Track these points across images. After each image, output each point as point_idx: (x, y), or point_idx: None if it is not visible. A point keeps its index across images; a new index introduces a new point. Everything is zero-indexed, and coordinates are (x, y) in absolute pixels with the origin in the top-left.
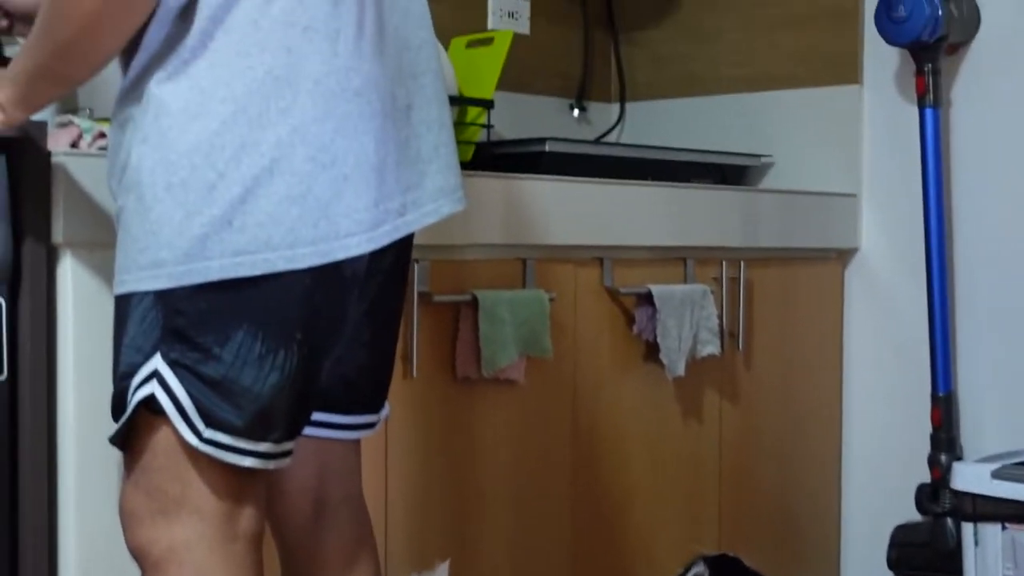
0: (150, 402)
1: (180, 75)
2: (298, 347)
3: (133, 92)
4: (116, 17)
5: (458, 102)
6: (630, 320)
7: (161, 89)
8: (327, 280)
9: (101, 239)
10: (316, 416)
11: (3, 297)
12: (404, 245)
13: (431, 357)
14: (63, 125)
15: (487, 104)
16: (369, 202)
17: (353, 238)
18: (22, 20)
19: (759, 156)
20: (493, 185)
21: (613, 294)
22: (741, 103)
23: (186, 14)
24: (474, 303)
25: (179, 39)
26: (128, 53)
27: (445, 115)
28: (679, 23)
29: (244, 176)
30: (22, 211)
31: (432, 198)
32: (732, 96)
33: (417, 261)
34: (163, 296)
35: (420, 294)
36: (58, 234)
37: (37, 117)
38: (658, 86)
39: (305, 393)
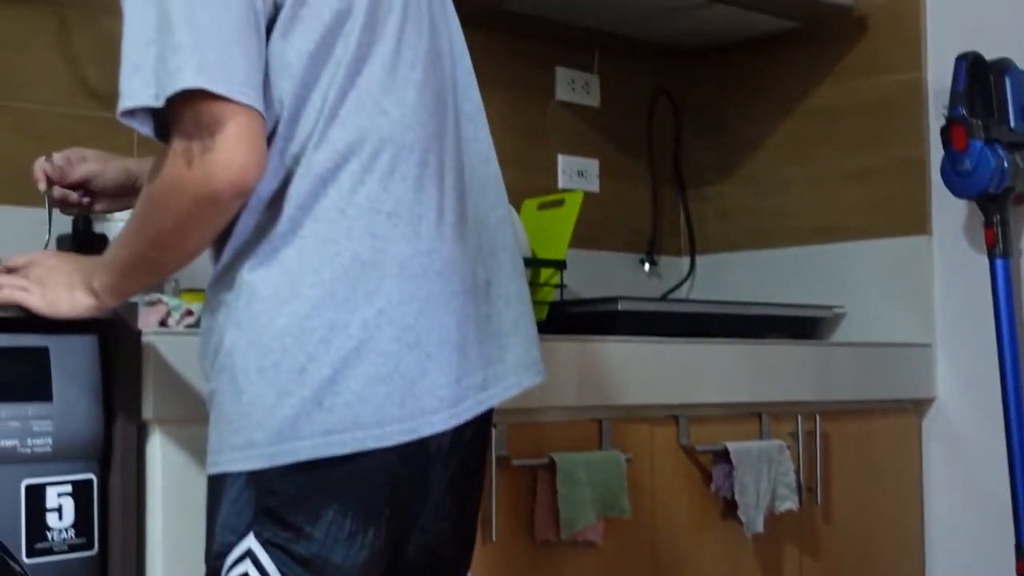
0: None
1: (270, 261)
2: (386, 523)
3: (225, 277)
4: (210, 211)
5: (531, 263)
6: (707, 477)
7: (252, 275)
8: (413, 456)
9: (189, 415)
10: None
11: (94, 473)
12: (485, 416)
13: (510, 521)
14: (151, 303)
15: (560, 265)
16: (452, 378)
17: (438, 415)
18: (104, 197)
19: (831, 307)
20: (568, 348)
21: (689, 452)
22: (810, 255)
23: (275, 203)
24: (552, 466)
25: (269, 227)
26: (220, 240)
27: (523, 290)
28: (746, 177)
29: (333, 358)
30: (113, 388)
31: (513, 371)
32: (801, 248)
33: (495, 425)
34: (256, 476)
35: (499, 458)
36: (147, 411)
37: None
38: (727, 239)
39: (393, 567)
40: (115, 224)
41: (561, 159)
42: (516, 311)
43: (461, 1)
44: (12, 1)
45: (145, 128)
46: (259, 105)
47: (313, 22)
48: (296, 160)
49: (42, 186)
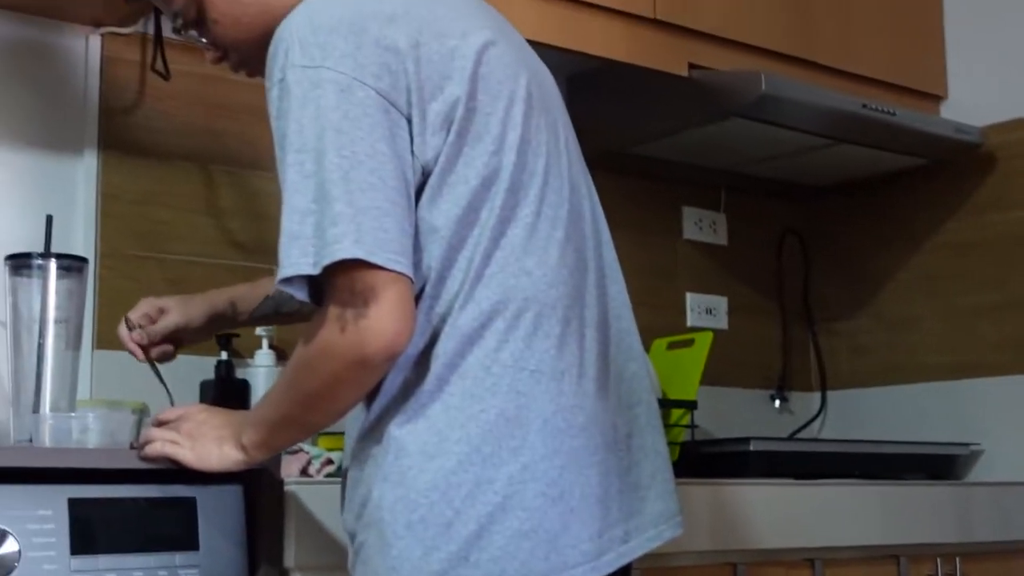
0: None
1: (418, 417)
2: None
3: (373, 433)
4: (361, 375)
5: (662, 404)
6: None
7: (400, 431)
8: None
9: (330, 563)
10: None
11: None
12: (625, 568)
13: None
14: (293, 452)
15: (691, 405)
16: (594, 532)
17: (579, 568)
18: (202, 332)
19: (967, 445)
20: (700, 491)
21: None
22: (944, 391)
23: (422, 361)
24: None
25: (416, 384)
26: (368, 397)
27: (660, 442)
28: (877, 312)
29: (479, 513)
30: (256, 537)
31: (653, 523)
32: (934, 384)
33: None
34: None
35: None
36: (289, 559)
37: None
38: (859, 375)
39: None
40: (256, 370)
41: (689, 297)
42: (654, 463)
43: (590, 146)
44: (163, 160)
45: (301, 294)
46: (410, 272)
47: (460, 188)
48: (442, 319)
49: (140, 356)
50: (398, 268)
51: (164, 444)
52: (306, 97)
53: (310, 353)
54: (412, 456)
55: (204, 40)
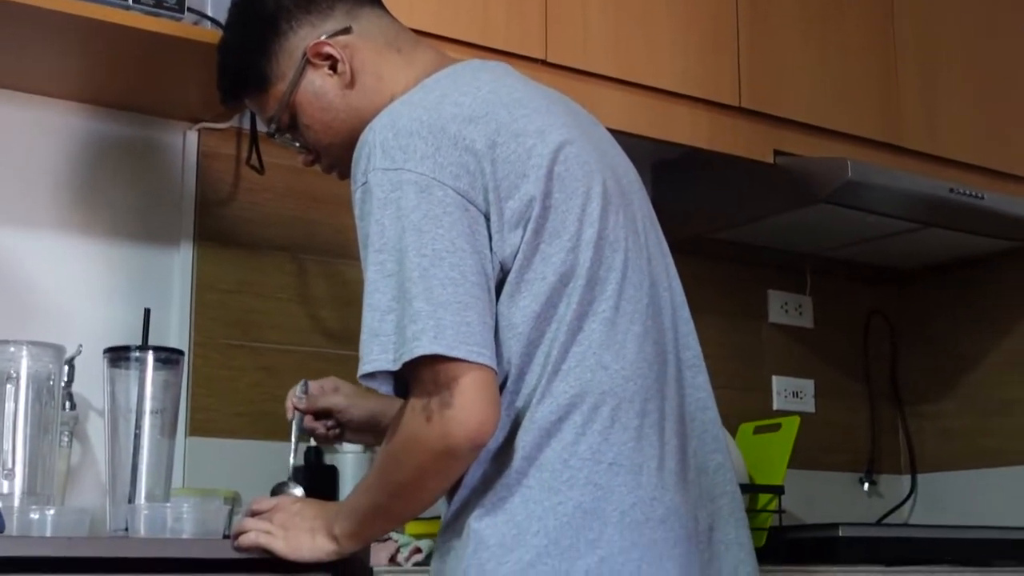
0: None
1: (497, 510)
2: None
3: (454, 525)
4: (448, 465)
5: (748, 489)
6: None
7: (480, 523)
8: None
9: None
10: None
11: None
12: None
13: None
14: (382, 540)
15: (778, 490)
16: None
17: None
18: (349, 431)
19: None
20: None
21: None
22: None
23: (501, 455)
24: None
25: (495, 477)
26: (450, 489)
27: (744, 535)
28: (966, 395)
29: None
30: None
31: None
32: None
33: None
34: None
35: None
36: None
37: None
38: (948, 458)
39: None
40: (344, 456)
41: (776, 380)
42: (736, 556)
43: (675, 231)
44: (256, 250)
45: (384, 387)
46: (493, 363)
47: (538, 285)
48: (521, 414)
49: (289, 415)
50: (481, 360)
51: (258, 535)
52: (387, 198)
53: (397, 444)
54: (491, 549)
55: (297, 144)
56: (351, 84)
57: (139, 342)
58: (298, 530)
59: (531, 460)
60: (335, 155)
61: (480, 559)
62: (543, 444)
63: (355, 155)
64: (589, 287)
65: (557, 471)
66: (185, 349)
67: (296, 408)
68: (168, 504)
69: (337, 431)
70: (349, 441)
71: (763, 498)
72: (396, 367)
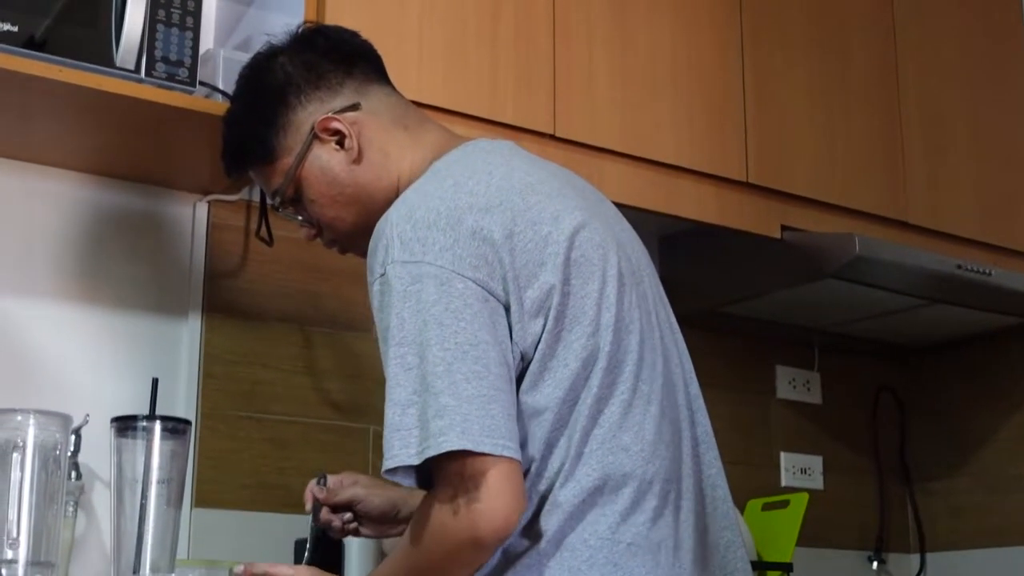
0: None
1: None
2: None
3: None
4: (473, 556)
5: (757, 566)
6: None
7: None
8: None
9: None
10: None
11: None
12: None
13: None
14: None
15: (787, 568)
16: None
17: None
18: (367, 522)
19: None
20: None
21: None
22: None
23: (524, 535)
24: None
25: (518, 558)
26: None
27: None
28: (977, 472)
29: None
30: None
31: None
32: None
33: None
34: None
35: None
36: None
37: None
38: (959, 537)
39: None
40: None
41: (784, 457)
42: None
43: (682, 305)
44: (264, 322)
45: (407, 481)
46: (518, 455)
47: (561, 371)
48: (544, 497)
49: (308, 507)
50: (507, 453)
51: None
52: (407, 292)
53: (424, 533)
54: None
55: (300, 217)
56: (358, 160)
57: (146, 412)
58: None
59: (553, 542)
60: (338, 230)
61: None
62: (566, 527)
63: (371, 247)
64: (608, 371)
65: (577, 551)
66: (192, 420)
67: (316, 498)
68: (173, 575)
69: (353, 525)
70: (365, 535)
71: None
72: (418, 462)
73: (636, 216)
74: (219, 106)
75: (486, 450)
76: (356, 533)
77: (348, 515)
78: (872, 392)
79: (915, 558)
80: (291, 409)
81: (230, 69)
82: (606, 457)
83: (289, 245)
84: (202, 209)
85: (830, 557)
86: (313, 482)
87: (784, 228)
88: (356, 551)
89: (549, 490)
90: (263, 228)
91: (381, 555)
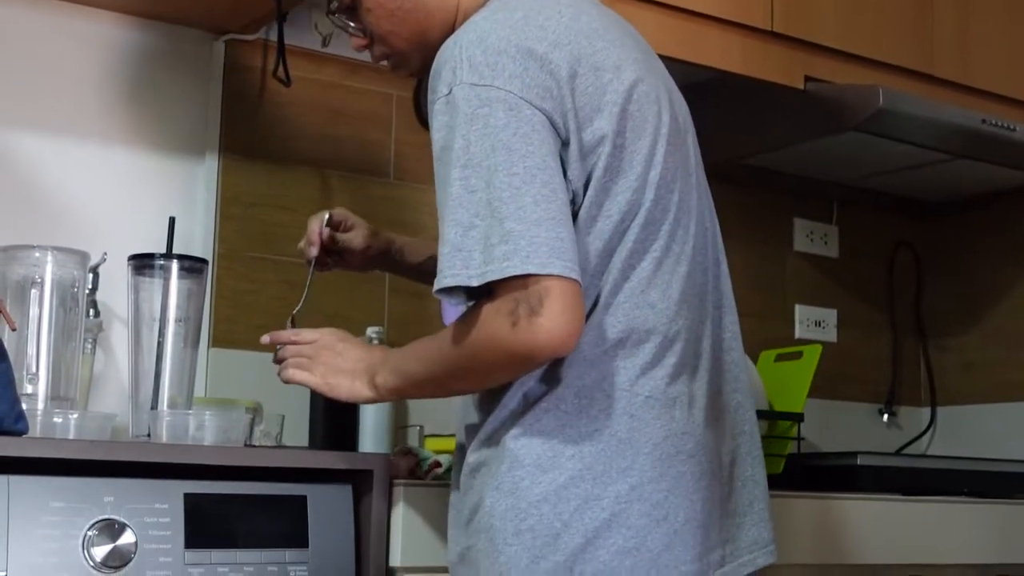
0: None
1: (534, 432)
2: None
3: (489, 443)
4: (524, 368)
5: (768, 416)
6: None
7: (516, 443)
8: None
9: (435, 564)
10: None
11: None
12: None
13: None
14: (403, 453)
15: (797, 418)
16: (695, 555)
17: None
18: (356, 268)
19: None
20: (805, 505)
21: None
22: None
23: (545, 378)
24: None
25: (536, 400)
26: (487, 407)
27: (759, 472)
28: (991, 328)
29: (586, 527)
30: (364, 536)
31: (748, 550)
32: None
33: None
34: None
35: None
36: (395, 558)
37: (381, 449)
38: (970, 391)
39: None
40: None
41: (799, 309)
42: (752, 492)
43: (704, 157)
44: (281, 164)
45: (458, 301)
46: (581, 279)
47: (602, 223)
48: None
49: (314, 251)
50: (572, 275)
51: (296, 371)
52: (475, 114)
53: (474, 339)
54: (526, 468)
55: (353, 25)
56: None
57: (163, 251)
58: (338, 371)
59: (572, 387)
60: (391, 45)
61: (514, 477)
62: (584, 374)
63: (435, 67)
64: (645, 227)
65: (596, 399)
66: (209, 259)
67: (321, 241)
68: (190, 412)
69: (330, 260)
70: (351, 266)
71: (782, 425)
72: (479, 283)
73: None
74: None
75: (555, 271)
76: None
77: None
78: (890, 247)
79: (926, 411)
80: None
81: None
82: (632, 311)
83: (308, 87)
84: (219, 48)
85: (842, 409)
86: (319, 220)
87: (808, 79)
88: (371, 420)
89: None
90: (280, 68)
91: (396, 428)
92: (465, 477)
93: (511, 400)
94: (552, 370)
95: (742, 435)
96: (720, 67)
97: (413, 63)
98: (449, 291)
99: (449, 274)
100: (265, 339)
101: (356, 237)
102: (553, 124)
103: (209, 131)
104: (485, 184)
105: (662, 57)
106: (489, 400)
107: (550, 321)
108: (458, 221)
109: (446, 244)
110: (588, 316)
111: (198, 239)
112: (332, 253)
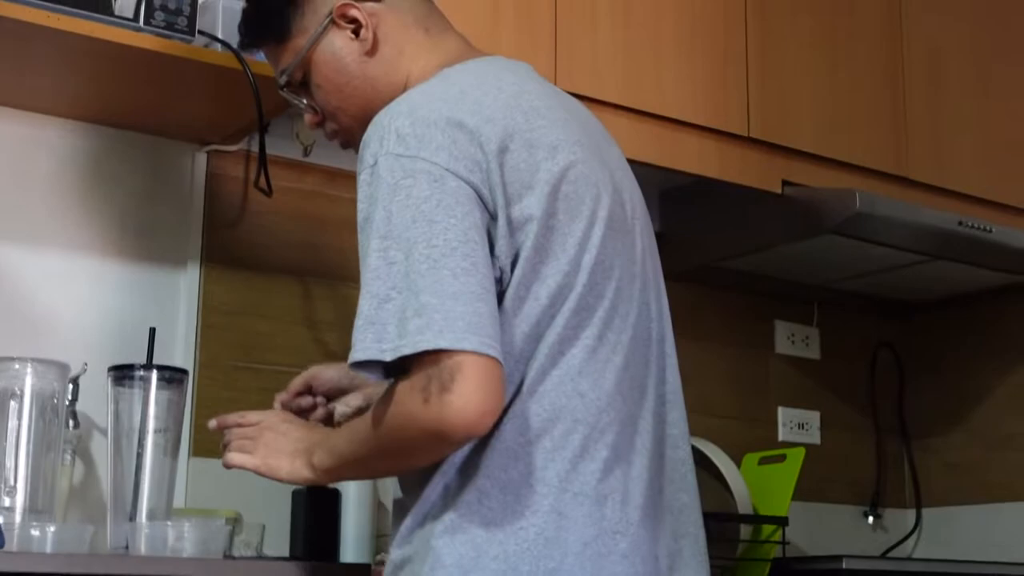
0: None
1: (456, 530)
2: None
3: (411, 539)
4: (439, 448)
5: (752, 520)
6: None
7: (438, 542)
8: None
9: None
10: None
11: None
12: None
13: None
14: (383, 563)
15: (782, 521)
16: None
17: None
18: (337, 393)
19: None
20: None
21: None
22: None
23: (466, 470)
24: None
25: (458, 494)
26: (411, 496)
27: None
28: (974, 429)
29: None
30: None
31: None
32: None
33: None
34: None
35: None
36: None
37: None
38: (955, 492)
39: None
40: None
41: (782, 411)
42: None
43: (683, 259)
44: (263, 273)
45: (374, 377)
46: (501, 357)
47: (530, 305)
48: (490, 431)
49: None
50: (490, 352)
51: (237, 455)
52: (397, 185)
53: (387, 418)
54: (447, 569)
55: (305, 102)
56: (371, 52)
57: (144, 362)
58: (280, 452)
59: (496, 481)
60: (341, 122)
61: None
62: (509, 466)
63: (366, 137)
64: (577, 312)
65: (522, 495)
66: (190, 369)
67: (281, 401)
68: (169, 523)
69: (326, 405)
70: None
71: (767, 529)
72: (391, 358)
73: (637, 171)
74: (218, 55)
75: (469, 347)
76: (330, 417)
77: (308, 397)
78: (871, 348)
79: (911, 513)
80: (289, 360)
81: (230, 18)
82: (560, 399)
83: (289, 196)
84: (201, 159)
85: (826, 512)
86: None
87: (785, 183)
88: (353, 500)
89: (497, 425)
90: (262, 178)
91: (378, 535)
92: (390, 573)
93: (432, 493)
94: (473, 460)
95: (686, 537)
96: (698, 172)
97: (360, 139)
98: (365, 366)
99: (361, 348)
100: (212, 423)
101: (327, 376)
102: (481, 197)
103: (191, 241)
104: (404, 256)
105: (639, 163)
106: (412, 491)
107: (461, 398)
108: (374, 293)
109: (360, 316)
110: (512, 402)
111: (179, 348)
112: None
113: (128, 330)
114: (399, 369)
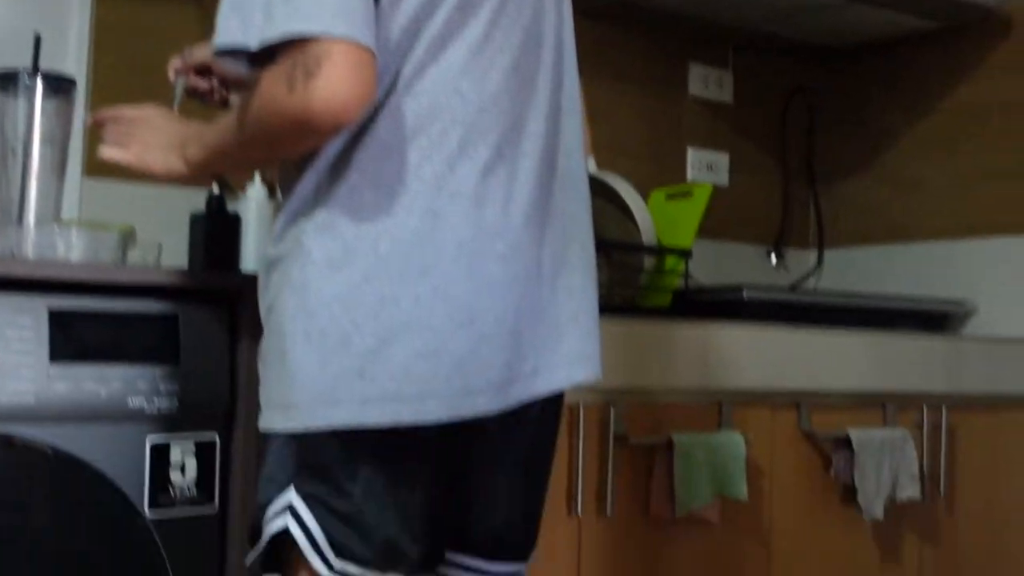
0: (284, 533)
1: (327, 228)
2: (423, 488)
3: (284, 236)
4: (304, 137)
5: (656, 251)
6: (827, 463)
7: (308, 239)
8: (455, 434)
9: None
10: (464, 560)
11: (218, 434)
12: (555, 400)
13: (626, 497)
14: None
15: (685, 253)
16: (502, 362)
17: (482, 396)
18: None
19: (960, 302)
20: (691, 331)
21: (809, 437)
22: (941, 251)
23: (338, 166)
24: (670, 445)
25: (328, 191)
26: (285, 192)
27: (589, 285)
28: (880, 174)
29: (379, 329)
30: (237, 354)
31: (566, 363)
32: (932, 243)
33: (614, 404)
34: (296, 435)
35: (616, 436)
36: None
37: None
38: (857, 233)
39: (433, 531)
40: (248, 203)
41: (691, 152)
42: (578, 304)
43: None
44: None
45: (238, 67)
46: (373, 46)
47: None
48: (363, 127)
49: (171, 76)
50: (361, 40)
51: (111, 149)
52: None
53: (256, 104)
54: (317, 266)
55: None
56: None
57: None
58: (154, 147)
59: (367, 175)
60: None
61: (306, 275)
62: (383, 161)
63: None
64: (461, 8)
65: (395, 192)
66: (82, 85)
67: (176, 69)
68: (57, 229)
69: (224, 92)
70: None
71: (670, 260)
72: (256, 45)
73: None
74: None
75: (338, 33)
76: (223, 99)
77: (206, 81)
78: (785, 93)
79: (813, 253)
80: None
81: None
82: (438, 97)
83: None
84: None
85: (730, 251)
86: (175, 57)
87: None
88: (253, 223)
89: (370, 120)
90: None
91: None
92: (262, 274)
93: (304, 190)
94: (345, 155)
95: (574, 243)
96: None
97: None
98: (230, 56)
99: (225, 34)
100: (88, 119)
101: (206, 49)
102: None
103: None
104: None
105: None
106: (287, 188)
107: (327, 85)
108: None
109: (225, 3)
110: (387, 97)
111: (71, 63)
112: (205, 74)
113: (14, 38)
114: (266, 60)
